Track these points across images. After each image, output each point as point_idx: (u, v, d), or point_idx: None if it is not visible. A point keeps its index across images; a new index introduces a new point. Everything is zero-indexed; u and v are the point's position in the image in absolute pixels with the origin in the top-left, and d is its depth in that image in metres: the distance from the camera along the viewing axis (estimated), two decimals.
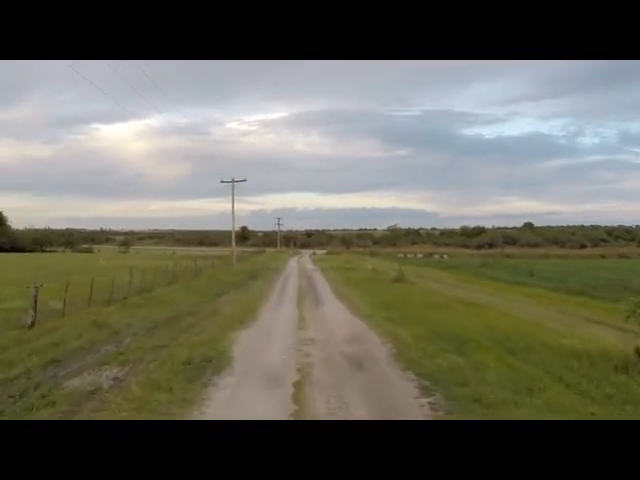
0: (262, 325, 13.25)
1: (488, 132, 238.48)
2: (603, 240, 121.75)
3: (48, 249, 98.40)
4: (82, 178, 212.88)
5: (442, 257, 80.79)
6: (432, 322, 13.01)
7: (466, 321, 13.49)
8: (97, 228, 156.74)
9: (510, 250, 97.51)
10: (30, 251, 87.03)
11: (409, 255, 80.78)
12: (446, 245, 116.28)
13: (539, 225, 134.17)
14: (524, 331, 12.49)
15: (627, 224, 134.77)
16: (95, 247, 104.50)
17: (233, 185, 34.18)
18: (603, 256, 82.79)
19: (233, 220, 35.25)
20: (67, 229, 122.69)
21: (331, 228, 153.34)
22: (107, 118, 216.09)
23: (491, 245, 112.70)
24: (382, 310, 15.63)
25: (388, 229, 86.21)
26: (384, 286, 25.06)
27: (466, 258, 74.83)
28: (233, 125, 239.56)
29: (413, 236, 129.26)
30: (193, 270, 31.71)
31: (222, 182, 34.38)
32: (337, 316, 15.06)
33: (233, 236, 36.09)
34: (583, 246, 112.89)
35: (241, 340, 11.09)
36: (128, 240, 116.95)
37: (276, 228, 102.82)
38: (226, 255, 37.95)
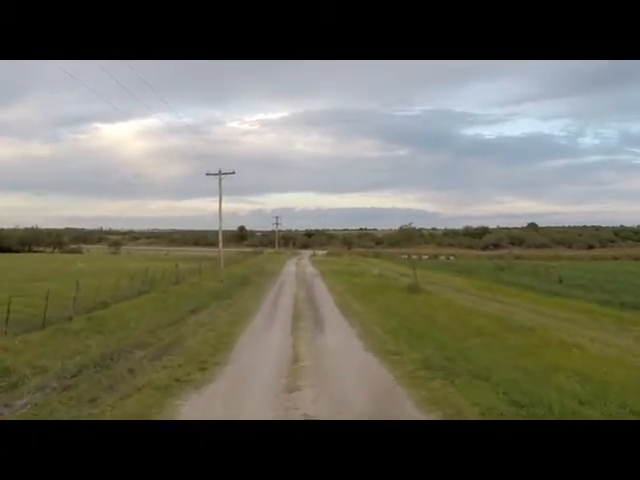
0: (233, 376, 8.59)
1: (488, 132, 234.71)
2: (611, 241, 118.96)
3: (35, 249, 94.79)
4: (82, 177, 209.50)
5: (448, 258, 77.23)
6: (492, 372, 8.48)
7: (537, 368, 9.04)
8: (97, 227, 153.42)
9: (517, 251, 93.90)
10: (16, 251, 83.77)
11: (413, 256, 76.42)
12: (450, 245, 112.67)
13: (540, 225, 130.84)
14: (634, 380, 8.19)
15: (628, 224, 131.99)
16: (85, 247, 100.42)
17: (220, 178, 29.63)
18: (616, 258, 79.14)
19: (220, 219, 30.73)
20: (67, 228, 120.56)
21: (331, 228, 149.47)
22: (108, 117, 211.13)
23: (496, 245, 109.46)
24: (410, 344, 11.05)
25: (401, 228, 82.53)
26: (399, 298, 20.63)
27: (474, 260, 71.05)
28: (233, 125, 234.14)
29: (417, 237, 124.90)
30: (175, 275, 27.36)
31: (207, 174, 29.86)
32: (347, 355, 10.48)
33: (220, 236, 31.46)
34: (591, 247, 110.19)
35: (190, 417, 6.61)
36: (120, 240, 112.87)
37: (275, 228, 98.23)
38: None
